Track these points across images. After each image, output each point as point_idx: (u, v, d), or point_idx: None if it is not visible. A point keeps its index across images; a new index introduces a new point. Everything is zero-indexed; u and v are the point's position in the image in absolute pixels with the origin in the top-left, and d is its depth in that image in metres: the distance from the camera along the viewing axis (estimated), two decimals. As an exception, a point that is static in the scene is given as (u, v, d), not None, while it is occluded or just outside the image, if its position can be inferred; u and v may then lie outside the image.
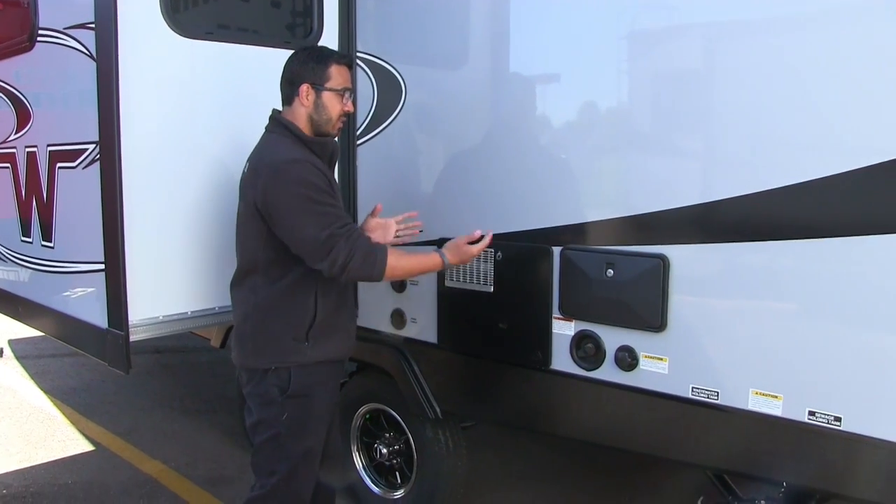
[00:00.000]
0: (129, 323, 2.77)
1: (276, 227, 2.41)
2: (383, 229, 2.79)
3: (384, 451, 3.54)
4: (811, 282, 2.17)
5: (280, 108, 2.59)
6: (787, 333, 2.23)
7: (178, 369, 6.32)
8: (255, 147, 2.55)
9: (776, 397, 2.25)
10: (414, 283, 3.19)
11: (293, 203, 2.36)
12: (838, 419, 2.14)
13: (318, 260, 2.37)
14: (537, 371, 2.81)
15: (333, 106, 2.53)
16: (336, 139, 2.65)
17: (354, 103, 2.88)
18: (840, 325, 2.14)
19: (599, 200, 2.65)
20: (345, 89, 2.55)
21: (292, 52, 2.60)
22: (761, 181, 2.21)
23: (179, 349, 6.66)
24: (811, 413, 2.19)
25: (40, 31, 3.27)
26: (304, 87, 2.49)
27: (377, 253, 2.43)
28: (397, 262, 2.47)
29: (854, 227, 2.08)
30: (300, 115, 2.52)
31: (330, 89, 2.51)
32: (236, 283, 2.60)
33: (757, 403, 2.28)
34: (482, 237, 2.65)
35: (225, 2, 3.25)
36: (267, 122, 2.57)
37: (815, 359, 2.18)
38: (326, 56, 2.54)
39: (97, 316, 2.94)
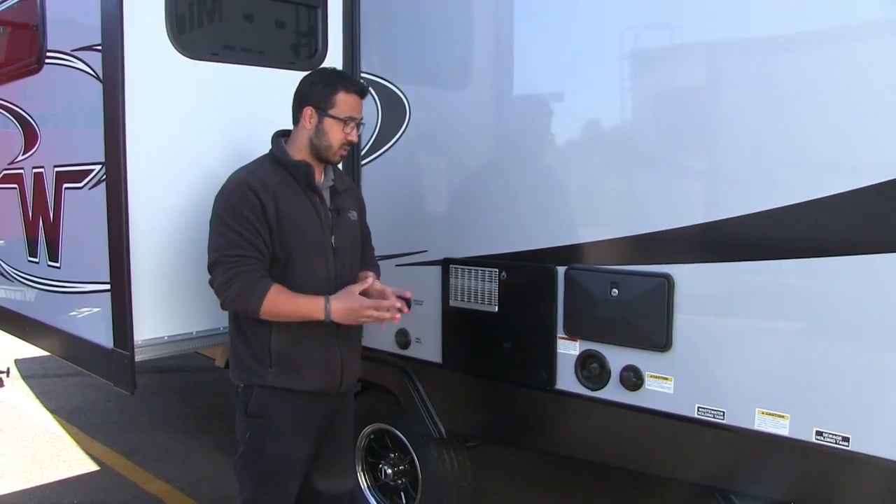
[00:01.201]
0: (135, 343, 2.77)
1: None
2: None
3: (389, 471, 3.52)
4: (817, 300, 2.16)
5: (289, 127, 2.57)
6: (793, 352, 2.22)
7: (182, 389, 6.31)
8: None
9: (783, 417, 2.23)
10: (418, 303, 3.18)
11: (213, 219, 2.44)
12: (846, 439, 2.12)
13: (210, 278, 2.42)
14: (542, 391, 2.79)
15: (334, 134, 2.45)
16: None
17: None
18: (847, 344, 2.13)
19: (603, 220, 2.65)
20: (349, 118, 2.45)
21: (294, 72, 2.59)
22: (765, 200, 2.21)
23: (184, 369, 6.66)
24: (819, 433, 2.17)
25: (48, 54, 3.30)
26: (308, 110, 2.45)
27: (255, 289, 2.32)
28: (275, 302, 2.32)
29: (860, 246, 2.07)
30: (302, 136, 2.49)
31: (333, 116, 2.43)
32: None
33: (763, 423, 2.27)
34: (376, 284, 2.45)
35: (230, 23, 3.27)
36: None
37: (823, 378, 2.17)
38: (336, 81, 2.47)
39: (103, 336, 2.95)
